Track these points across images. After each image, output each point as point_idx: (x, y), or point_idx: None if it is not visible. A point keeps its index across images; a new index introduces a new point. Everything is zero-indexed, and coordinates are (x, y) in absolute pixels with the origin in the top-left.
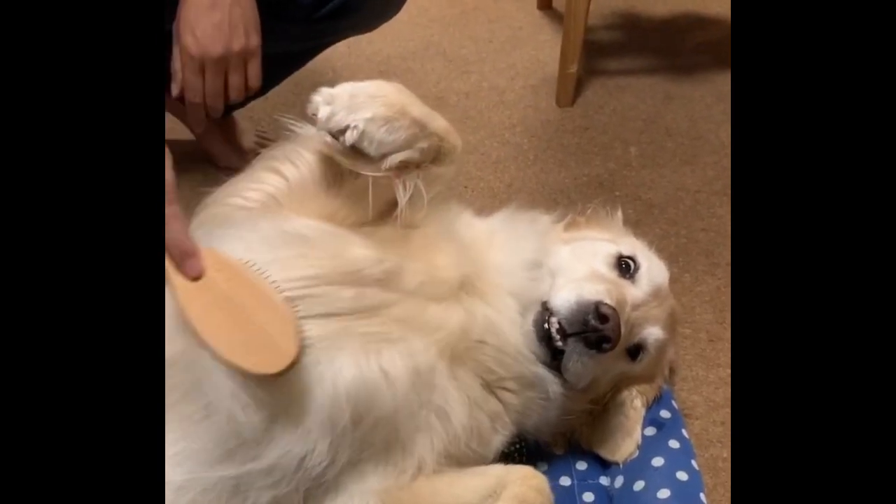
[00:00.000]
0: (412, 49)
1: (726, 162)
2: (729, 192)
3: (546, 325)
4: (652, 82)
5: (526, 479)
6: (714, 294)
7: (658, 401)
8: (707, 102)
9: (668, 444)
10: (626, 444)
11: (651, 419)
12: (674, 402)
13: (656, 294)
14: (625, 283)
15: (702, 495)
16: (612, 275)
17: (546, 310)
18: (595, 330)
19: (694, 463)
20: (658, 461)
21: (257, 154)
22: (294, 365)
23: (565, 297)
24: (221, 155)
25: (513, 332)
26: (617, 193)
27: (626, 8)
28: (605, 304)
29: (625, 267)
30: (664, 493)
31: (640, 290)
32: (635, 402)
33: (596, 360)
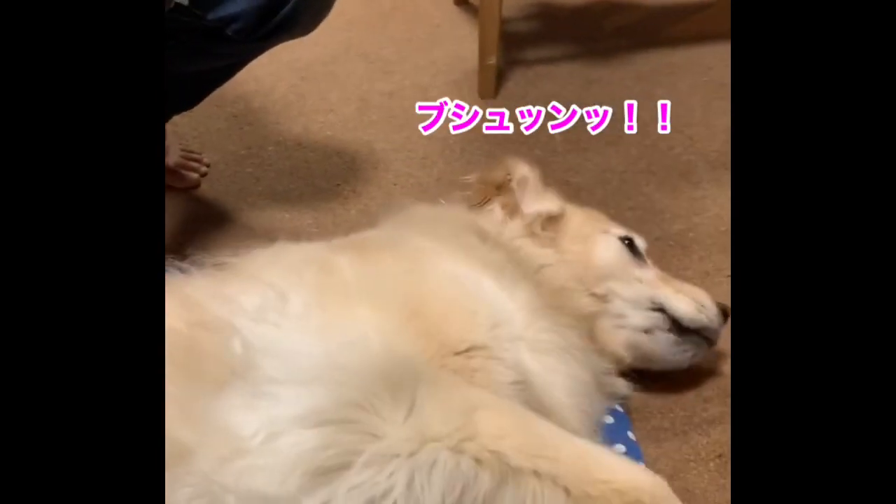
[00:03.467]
0: (333, 53)
1: (648, 141)
2: (653, 170)
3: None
4: (572, 69)
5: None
6: None
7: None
8: (627, 84)
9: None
10: None
11: None
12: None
13: None
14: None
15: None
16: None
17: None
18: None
19: (630, 434)
20: None
21: (183, 172)
22: None
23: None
24: None
25: None
26: (545, 179)
27: None
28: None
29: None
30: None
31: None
32: None
33: None
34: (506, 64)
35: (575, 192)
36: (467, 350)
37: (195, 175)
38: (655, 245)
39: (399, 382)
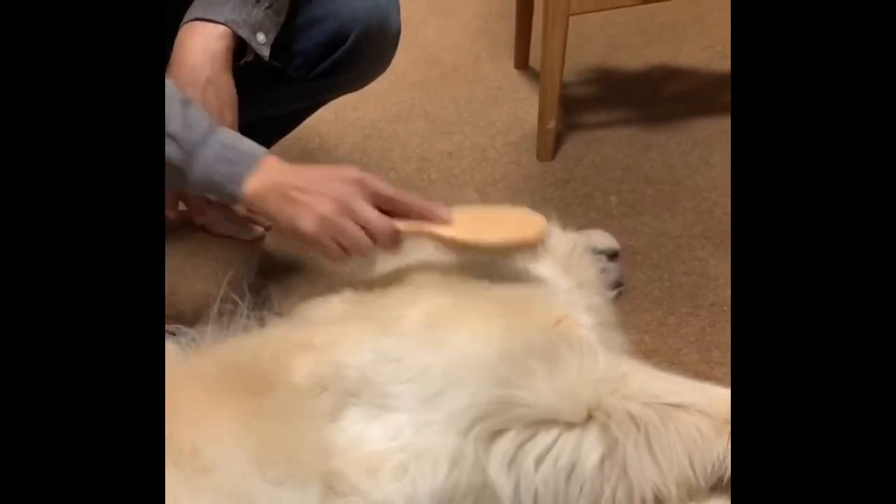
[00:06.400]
0: (395, 112)
1: (704, 206)
2: (708, 235)
3: None
4: (629, 133)
5: None
6: (699, 335)
7: None
8: (683, 150)
9: None
10: None
11: None
12: None
13: None
14: None
15: None
16: None
17: None
18: None
19: None
20: None
21: (250, 222)
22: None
23: None
24: (213, 222)
25: None
26: None
27: (601, 63)
28: None
29: None
30: None
31: None
32: None
33: None
34: (564, 127)
35: (629, 256)
36: (558, 321)
37: (261, 228)
38: (710, 311)
39: (531, 359)
